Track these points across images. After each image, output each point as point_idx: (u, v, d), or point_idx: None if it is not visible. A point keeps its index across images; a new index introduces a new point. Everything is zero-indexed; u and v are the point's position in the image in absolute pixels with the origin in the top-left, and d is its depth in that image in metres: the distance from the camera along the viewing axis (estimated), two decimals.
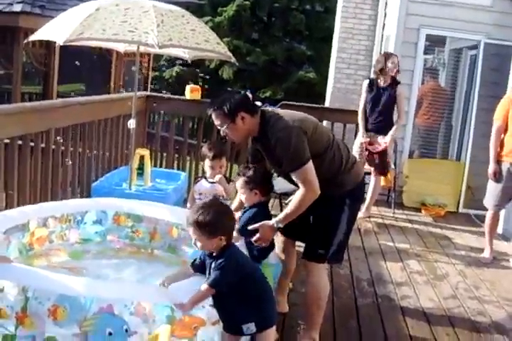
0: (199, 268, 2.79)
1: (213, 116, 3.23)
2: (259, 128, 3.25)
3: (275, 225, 3.21)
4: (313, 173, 3.15)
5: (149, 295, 2.68)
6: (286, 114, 3.32)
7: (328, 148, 3.30)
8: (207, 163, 4.21)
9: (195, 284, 2.66)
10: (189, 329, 2.64)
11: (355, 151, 6.56)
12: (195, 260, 2.82)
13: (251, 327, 2.68)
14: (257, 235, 3.19)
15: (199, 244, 2.66)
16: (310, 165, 3.14)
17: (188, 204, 4.39)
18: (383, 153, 6.40)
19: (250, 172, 3.32)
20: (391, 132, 6.35)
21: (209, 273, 2.69)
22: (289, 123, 3.19)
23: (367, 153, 6.41)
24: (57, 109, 4.90)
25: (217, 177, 4.17)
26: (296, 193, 3.22)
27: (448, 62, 8.07)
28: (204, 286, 2.59)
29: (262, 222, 3.22)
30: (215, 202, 2.80)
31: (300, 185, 3.18)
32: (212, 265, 2.66)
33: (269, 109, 3.38)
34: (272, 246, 3.46)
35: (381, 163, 6.46)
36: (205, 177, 4.27)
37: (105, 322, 2.49)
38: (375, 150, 6.37)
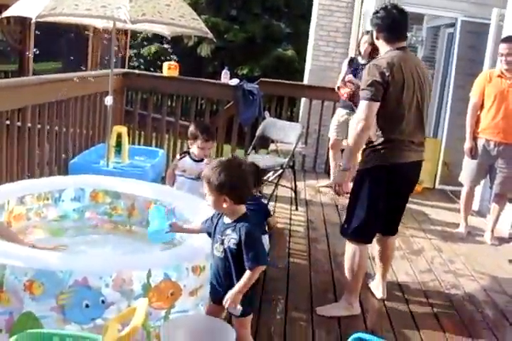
0: (207, 227, 2.81)
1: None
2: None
3: (342, 170, 3.58)
4: (371, 113, 3.38)
5: (127, 265, 2.72)
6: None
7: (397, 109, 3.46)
8: (198, 143, 4.20)
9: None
10: (166, 297, 2.67)
11: (332, 131, 6.57)
12: (207, 220, 2.83)
13: (237, 310, 2.61)
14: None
15: (208, 201, 2.66)
16: (373, 104, 3.38)
17: (168, 180, 4.39)
18: None
19: None
20: None
21: (214, 235, 2.69)
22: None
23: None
24: (33, 85, 4.86)
25: (206, 160, 4.21)
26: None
27: (426, 39, 8.10)
28: (250, 275, 2.55)
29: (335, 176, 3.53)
30: (231, 161, 2.71)
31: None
32: (228, 231, 2.62)
33: None
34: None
35: None
36: (190, 155, 4.27)
37: (81, 295, 2.51)
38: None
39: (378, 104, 3.39)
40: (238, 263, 2.61)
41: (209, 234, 2.81)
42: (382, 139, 3.50)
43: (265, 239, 3.61)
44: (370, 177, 3.56)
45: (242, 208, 2.66)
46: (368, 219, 3.58)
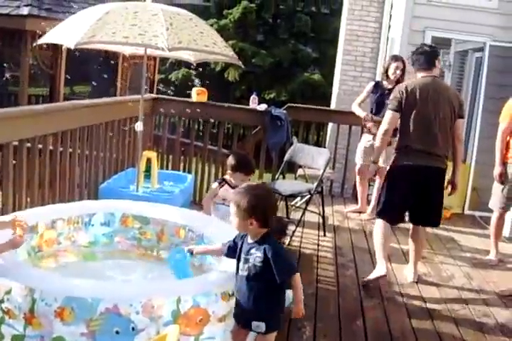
0: (231, 251, 2.92)
1: None
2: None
3: (372, 162, 4.89)
4: (391, 120, 4.55)
5: (157, 292, 2.73)
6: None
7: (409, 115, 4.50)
8: (239, 176, 4.22)
9: None
10: (194, 323, 2.67)
11: (359, 157, 6.59)
12: (229, 241, 2.95)
13: (261, 326, 2.74)
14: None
15: (233, 223, 2.78)
16: (393, 114, 4.54)
17: (206, 209, 4.37)
18: None
19: None
20: None
21: (239, 255, 2.80)
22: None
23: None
24: (66, 111, 4.95)
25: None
26: None
27: (453, 64, 8.08)
28: (294, 282, 2.73)
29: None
30: (260, 186, 2.88)
31: None
32: (252, 250, 2.73)
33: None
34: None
35: None
36: (228, 184, 4.28)
37: (112, 322, 2.53)
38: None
39: (398, 114, 4.53)
40: (260, 281, 2.72)
41: (229, 255, 2.94)
42: (397, 145, 4.65)
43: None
44: (388, 174, 4.72)
45: (265, 229, 2.76)
46: (385, 203, 4.68)
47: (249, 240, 2.79)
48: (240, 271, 2.81)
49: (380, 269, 4.58)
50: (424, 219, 4.79)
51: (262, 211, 2.71)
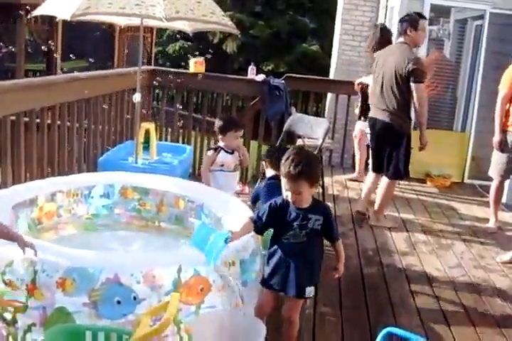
0: (263, 226, 2.80)
1: None
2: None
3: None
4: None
5: (157, 261, 2.75)
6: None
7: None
8: (232, 134, 4.28)
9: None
10: (195, 293, 2.69)
11: (358, 130, 6.60)
12: (257, 220, 2.79)
13: (312, 291, 2.78)
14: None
15: (304, 198, 2.70)
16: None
17: (205, 178, 4.35)
18: None
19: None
20: None
21: (286, 223, 2.73)
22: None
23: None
24: (63, 84, 4.92)
25: (240, 151, 4.37)
26: None
27: (453, 32, 7.99)
28: (340, 244, 2.88)
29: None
30: (303, 150, 2.80)
31: None
32: (310, 215, 2.71)
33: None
34: None
35: None
36: (223, 148, 4.31)
37: (113, 292, 2.54)
38: None
39: None
40: (317, 244, 2.81)
41: (261, 231, 2.86)
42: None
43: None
44: None
45: None
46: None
47: (303, 206, 2.72)
48: (291, 239, 2.74)
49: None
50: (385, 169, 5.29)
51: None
